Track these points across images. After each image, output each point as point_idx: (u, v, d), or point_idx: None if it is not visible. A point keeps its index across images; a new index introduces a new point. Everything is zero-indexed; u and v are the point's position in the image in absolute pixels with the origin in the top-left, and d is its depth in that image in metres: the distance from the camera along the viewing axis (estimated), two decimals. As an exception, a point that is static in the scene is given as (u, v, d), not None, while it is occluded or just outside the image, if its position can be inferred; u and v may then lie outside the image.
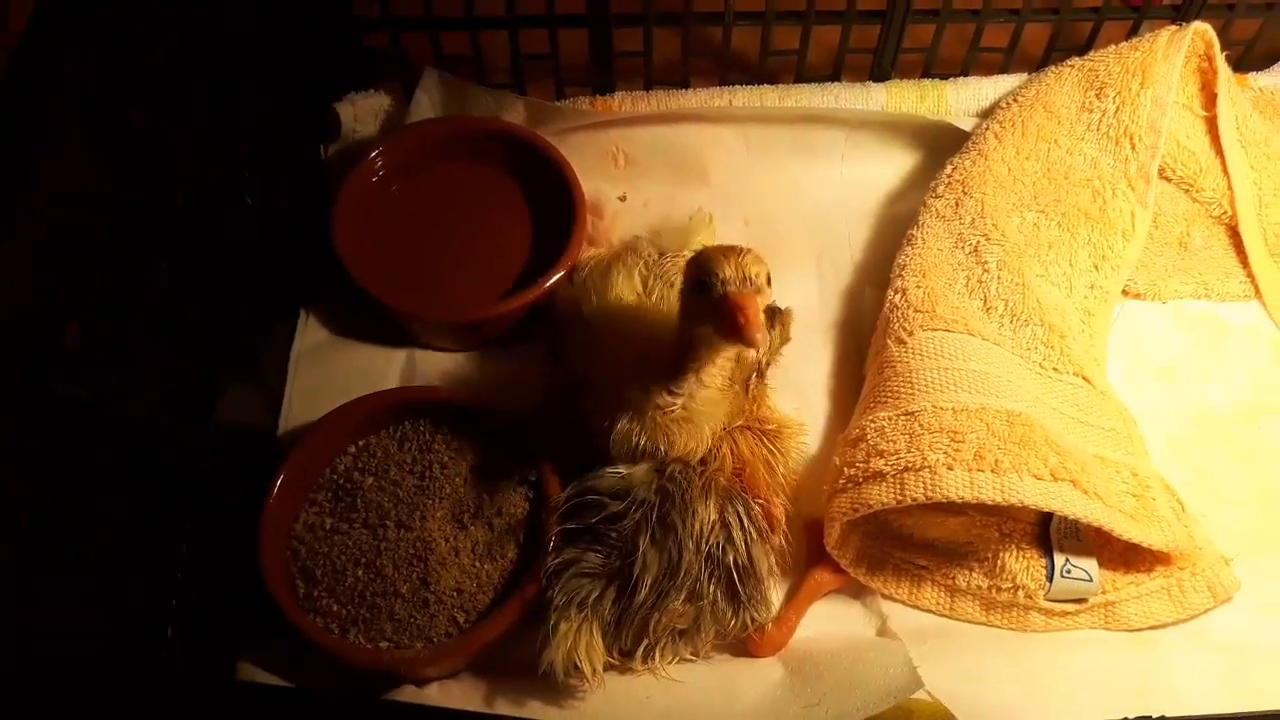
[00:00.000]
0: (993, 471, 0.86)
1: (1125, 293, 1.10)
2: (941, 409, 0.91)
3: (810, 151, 1.16)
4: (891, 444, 0.90)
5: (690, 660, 0.89)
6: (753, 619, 0.88)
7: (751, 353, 0.86)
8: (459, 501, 0.94)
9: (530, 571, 0.88)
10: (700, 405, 0.83)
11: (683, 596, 0.85)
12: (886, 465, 0.89)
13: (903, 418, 0.92)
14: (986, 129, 1.12)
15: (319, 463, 0.96)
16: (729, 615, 0.87)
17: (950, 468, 0.86)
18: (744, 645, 0.91)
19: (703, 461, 0.88)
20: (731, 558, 0.86)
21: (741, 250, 0.76)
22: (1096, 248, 1.06)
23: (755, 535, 0.87)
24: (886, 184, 1.16)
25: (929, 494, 0.86)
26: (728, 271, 0.74)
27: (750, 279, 0.74)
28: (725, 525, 0.86)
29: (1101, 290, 1.07)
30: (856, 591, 0.95)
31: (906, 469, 0.88)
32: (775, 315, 0.98)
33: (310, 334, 1.06)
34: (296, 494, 0.95)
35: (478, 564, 0.91)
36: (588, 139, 1.14)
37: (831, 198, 1.15)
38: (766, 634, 0.90)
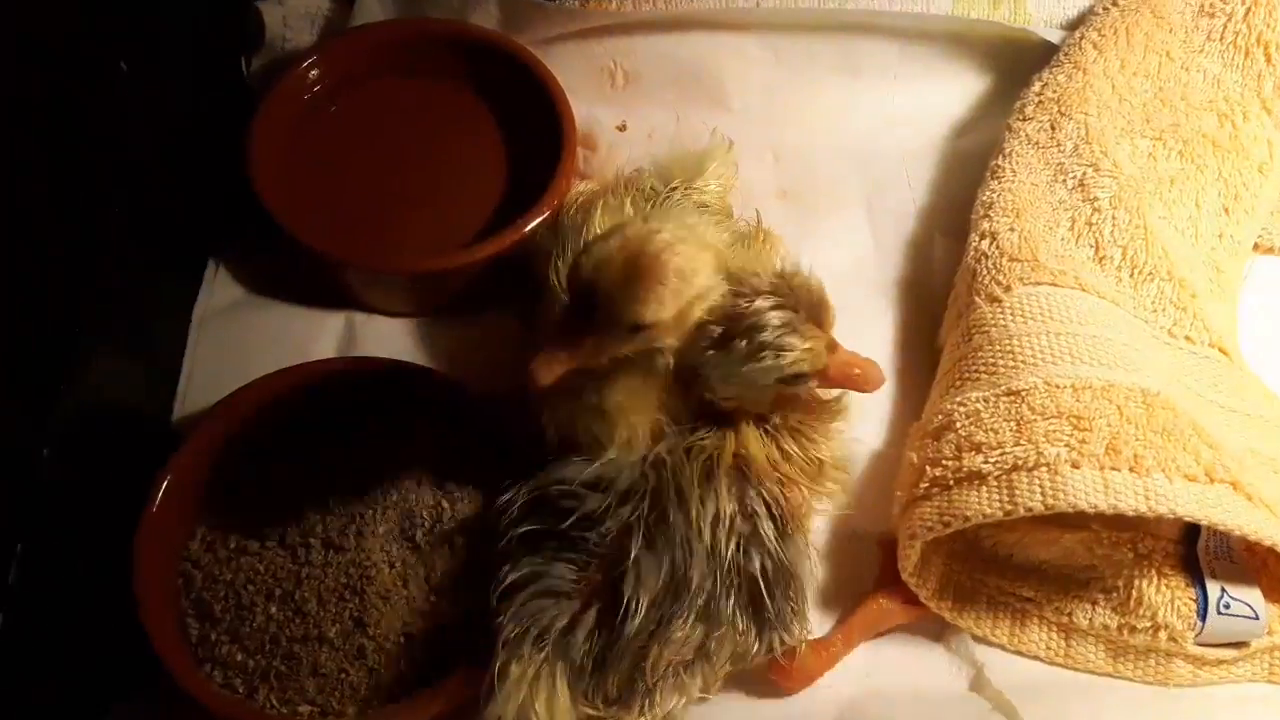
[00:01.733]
0: (1132, 470, 0.66)
1: (1256, 247, 0.88)
2: (1057, 387, 0.69)
3: (855, 70, 0.97)
4: (993, 434, 0.68)
5: (703, 699, 0.66)
6: (781, 640, 0.65)
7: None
8: (410, 513, 0.70)
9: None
10: (617, 396, 0.62)
11: (690, 619, 0.62)
12: (987, 463, 0.67)
13: (1005, 399, 0.69)
14: (1082, 38, 0.90)
15: (224, 459, 0.72)
16: (751, 637, 0.65)
17: (1076, 465, 0.66)
18: (767, 671, 0.69)
19: (694, 430, 0.64)
20: (759, 562, 0.63)
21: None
22: (1229, 185, 0.84)
23: (788, 528, 0.65)
24: (951, 111, 0.97)
25: (1049, 501, 0.65)
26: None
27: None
28: (750, 516, 0.63)
29: (1232, 241, 0.85)
30: (938, 631, 0.75)
31: (1016, 468, 0.66)
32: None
33: (220, 291, 0.85)
34: (190, 501, 0.72)
35: (434, 598, 0.68)
36: (578, 50, 0.95)
37: (882, 127, 0.96)
38: (799, 659, 0.68)
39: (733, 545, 0.62)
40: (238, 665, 0.67)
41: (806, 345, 0.59)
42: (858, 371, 0.62)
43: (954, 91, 0.96)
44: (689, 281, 0.58)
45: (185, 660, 0.66)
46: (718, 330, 0.59)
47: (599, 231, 0.71)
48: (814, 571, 0.67)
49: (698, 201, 0.78)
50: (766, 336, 0.58)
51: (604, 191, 0.78)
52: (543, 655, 0.61)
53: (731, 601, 0.63)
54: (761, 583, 0.63)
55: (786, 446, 0.66)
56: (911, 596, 0.72)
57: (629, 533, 0.61)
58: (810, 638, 0.68)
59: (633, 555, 0.61)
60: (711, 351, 0.59)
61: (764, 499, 0.64)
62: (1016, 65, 0.94)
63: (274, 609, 0.67)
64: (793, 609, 0.65)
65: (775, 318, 0.59)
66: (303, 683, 0.66)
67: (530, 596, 0.62)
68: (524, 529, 0.63)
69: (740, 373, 0.59)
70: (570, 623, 0.61)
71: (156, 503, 0.68)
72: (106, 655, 0.67)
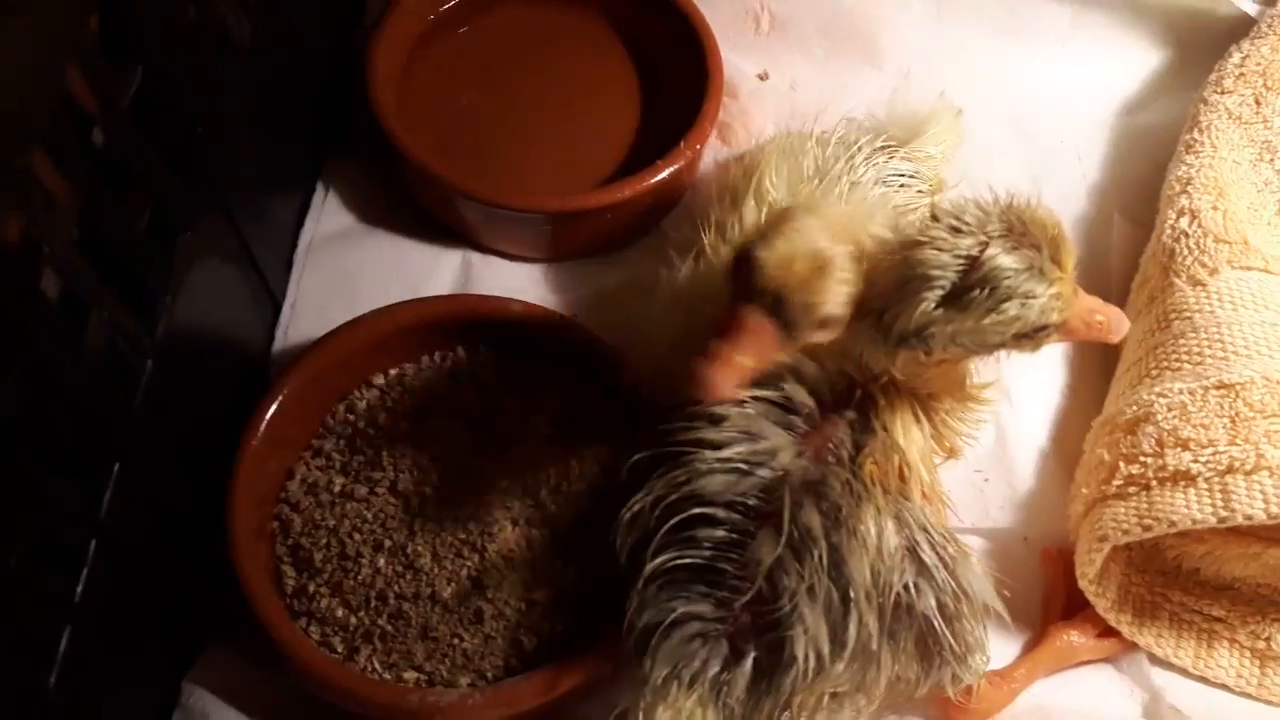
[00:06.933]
0: (1370, 480, 0.56)
1: None
2: (1279, 383, 0.60)
3: (1022, 33, 0.89)
4: (1203, 430, 0.60)
5: None
6: (955, 677, 0.58)
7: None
8: (535, 467, 0.63)
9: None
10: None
11: (851, 662, 0.53)
12: (1197, 462, 0.59)
13: (1215, 392, 0.62)
14: (1289, 8, 0.81)
15: (328, 395, 0.67)
16: (916, 673, 0.57)
17: (1304, 471, 0.56)
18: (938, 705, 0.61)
19: (852, 458, 0.55)
20: (931, 600, 0.54)
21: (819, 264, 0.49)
22: None
23: (955, 558, 0.56)
24: (1123, 84, 0.89)
25: (1273, 509, 0.57)
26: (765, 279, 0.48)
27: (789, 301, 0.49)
28: (913, 552, 0.54)
29: None
30: (1109, 647, 0.65)
31: (1231, 469, 0.59)
32: None
33: (330, 217, 0.78)
34: (291, 437, 0.65)
35: (559, 564, 0.60)
36: (723, -12, 0.87)
37: (1049, 97, 0.87)
38: (979, 693, 0.60)
39: (900, 584, 0.54)
40: (338, 622, 0.59)
41: (1054, 290, 0.49)
42: (1101, 319, 0.53)
43: (1127, 63, 0.88)
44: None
45: (279, 611, 0.59)
46: (935, 287, 0.49)
47: (771, 187, 0.65)
48: (991, 595, 0.57)
49: (896, 171, 0.70)
50: (1010, 283, 0.48)
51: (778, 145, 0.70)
52: (693, 699, 0.53)
53: (899, 643, 0.55)
54: (935, 621, 0.55)
55: (937, 440, 0.59)
56: (1101, 627, 0.65)
57: (781, 567, 0.52)
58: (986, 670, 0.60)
59: (794, 606, 0.52)
60: (939, 310, 0.49)
61: (927, 533, 0.55)
62: (1195, 39, 0.87)
63: (382, 562, 0.60)
64: (968, 643, 0.56)
65: (1015, 261, 0.48)
66: (410, 646, 0.58)
67: (674, 641, 0.53)
68: (656, 564, 0.54)
69: (978, 328, 0.49)
70: (722, 666, 0.53)
71: (257, 436, 0.61)
72: (202, 591, 0.60)
